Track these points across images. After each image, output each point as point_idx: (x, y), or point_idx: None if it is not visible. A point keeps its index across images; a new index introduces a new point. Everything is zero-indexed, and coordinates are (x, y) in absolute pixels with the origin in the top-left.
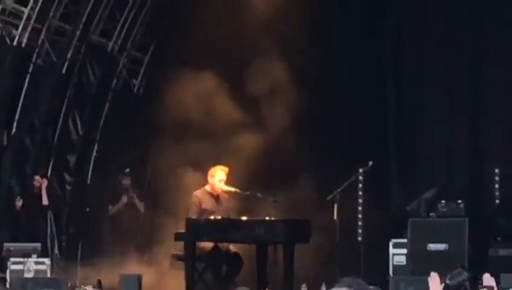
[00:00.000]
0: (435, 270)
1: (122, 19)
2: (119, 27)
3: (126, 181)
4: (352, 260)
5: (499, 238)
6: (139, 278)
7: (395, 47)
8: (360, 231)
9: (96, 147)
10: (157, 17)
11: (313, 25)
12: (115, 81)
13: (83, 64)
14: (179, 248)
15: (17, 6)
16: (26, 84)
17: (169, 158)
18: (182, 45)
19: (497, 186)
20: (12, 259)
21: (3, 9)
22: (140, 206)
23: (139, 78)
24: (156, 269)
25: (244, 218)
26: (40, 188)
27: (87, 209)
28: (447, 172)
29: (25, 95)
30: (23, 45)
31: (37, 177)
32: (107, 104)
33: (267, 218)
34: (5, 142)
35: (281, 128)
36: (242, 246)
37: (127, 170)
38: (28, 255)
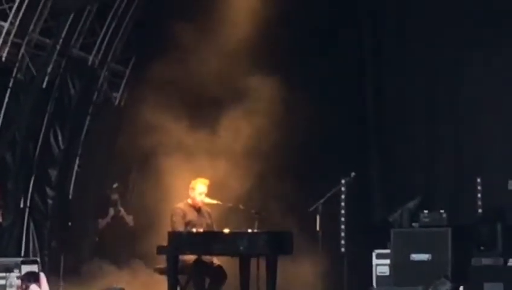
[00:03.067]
0: (418, 280)
1: (103, 32)
2: (99, 41)
3: (114, 196)
4: (335, 271)
5: (481, 248)
6: None
7: (375, 57)
8: (342, 241)
9: (77, 161)
10: (137, 30)
11: (292, 37)
12: (95, 95)
13: (63, 78)
14: (161, 261)
15: None
16: (6, 99)
17: (151, 171)
18: (162, 57)
19: (479, 195)
20: None
21: None
22: (129, 219)
23: (120, 91)
24: (139, 282)
25: (226, 230)
26: None
27: (70, 224)
28: (429, 182)
29: (6, 110)
30: (3, 59)
31: None
32: (88, 118)
33: (249, 230)
34: None
35: (262, 139)
36: (225, 258)
37: (115, 185)
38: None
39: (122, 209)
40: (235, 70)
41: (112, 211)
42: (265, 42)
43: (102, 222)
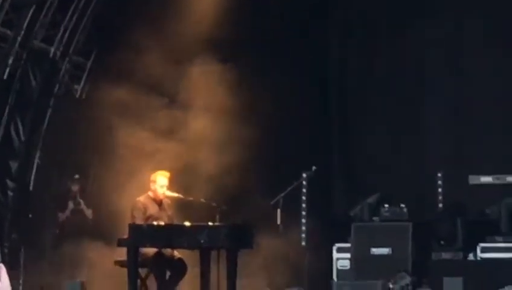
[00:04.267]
0: (379, 274)
1: (64, 24)
2: (61, 33)
3: (75, 187)
4: (296, 265)
5: (442, 242)
6: (82, 285)
7: (337, 54)
8: (303, 235)
9: (38, 153)
10: (99, 22)
11: (253, 34)
12: (57, 87)
13: (24, 70)
14: (122, 254)
15: None
16: None
17: (112, 164)
18: (124, 50)
19: (440, 190)
20: None
21: None
22: (89, 213)
23: (82, 83)
24: (100, 275)
25: (187, 223)
26: None
27: (30, 216)
28: (390, 176)
29: None
30: None
31: None
32: (49, 110)
33: (210, 223)
34: None
35: (223, 132)
36: (186, 251)
37: (77, 176)
38: None
39: (82, 202)
40: (194, 61)
41: (71, 205)
42: (224, 32)
43: (62, 215)
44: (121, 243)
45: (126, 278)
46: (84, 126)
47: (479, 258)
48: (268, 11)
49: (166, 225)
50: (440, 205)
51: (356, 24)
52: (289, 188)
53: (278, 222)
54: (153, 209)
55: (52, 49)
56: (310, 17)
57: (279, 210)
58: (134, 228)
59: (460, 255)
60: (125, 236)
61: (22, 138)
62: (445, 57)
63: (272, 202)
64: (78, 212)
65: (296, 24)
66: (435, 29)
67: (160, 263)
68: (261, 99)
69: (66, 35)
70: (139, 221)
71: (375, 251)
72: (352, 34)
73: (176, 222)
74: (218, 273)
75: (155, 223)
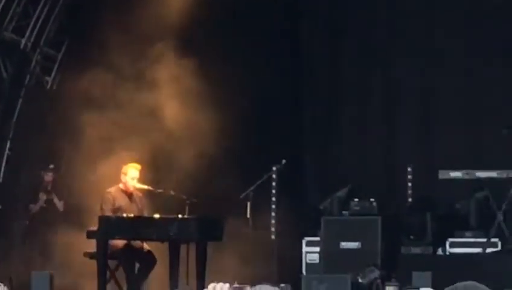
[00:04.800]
0: (348, 268)
1: (35, 15)
2: (32, 24)
3: (48, 178)
4: (265, 258)
5: (411, 237)
6: (50, 276)
7: (310, 45)
8: (273, 229)
9: (8, 145)
10: (70, 13)
11: (223, 26)
12: (27, 78)
13: None
14: (91, 245)
15: None
16: None
17: (82, 155)
18: (94, 42)
19: (409, 184)
20: None
21: None
22: (60, 205)
23: (53, 75)
24: (69, 267)
25: (156, 216)
26: None
27: (0, 207)
28: (359, 170)
29: None
30: None
31: None
32: (20, 101)
33: (179, 216)
34: None
35: (192, 126)
36: (155, 243)
37: (51, 166)
38: None
39: (53, 194)
40: (164, 50)
41: (43, 196)
42: (193, 23)
43: (34, 207)
44: (90, 235)
45: (95, 270)
46: (54, 117)
47: (448, 253)
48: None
49: (135, 217)
50: (410, 200)
51: (327, 15)
52: (259, 181)
53: (248, 215)
54: (122, 201)
55: (23, 41)
56: (283, 10)
57: (248, 203)
58: (103, 219)
59: (430, 249)
60: (95, 228)
61: None
62: (416, 51)
63: (241, 195)
64: (50, 203)
65: (271, 15)
66: (404, 20)
67: (129, 255)
68: (231, 91)
69: (37, 26)
70: (108, 213)
71: (344, 244)
72: (323, 27)
73: (146, 214)
74: (187, 266)
75: (124, 215)
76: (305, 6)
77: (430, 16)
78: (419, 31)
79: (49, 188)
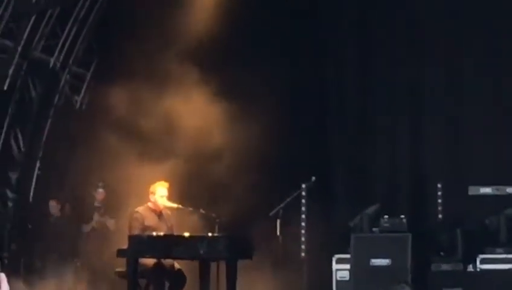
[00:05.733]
0: (378, 286)
1: (64, 35)
2: (61, 43)
3: (100, 196)
4: (296, 276)
5: (441, 253)
6: None
7: (337, 62)
8: (303, 246)
9: (38, 164)
10: (99, 33)
11: (252, 37)
12: (57, 98)
13: (24, 81)
14: (121, 264)
15: None
16: None
17: (112, 175)
18: (124, 61)
19: (439, 201)
20: None
21: None
22: (111, 224)
23: (81, 94)
24: (100, 285)
25: (186, 234)
26: None
27: (29, 227)
28: (390, 187)
29: None
30: None
31: None
32: (49, 121)
33: (209, 234)
34: None
35: (221, 144)
36: (186, 262)
37: (101, 183)
38: None
39: (106, 214)
40: (191, 69)
41: (96, 216)
42: (227, 37)
43: (86, 227)
44: (120, 253)
45: (126, 289)
46: (84, 137)
47: (478, 269)
48: (268, 18)
49: (165, 236)
50: (440, 216)
51: (355, 27)
52: (288, 199)
53: (277, 233)
54: (151, 220)
55: (52, 60)
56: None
57: (278, 221)
58: (134, 238)
59: (460, 266)
60: (125, 247)
61: (22, 149)
62: (445, 67)
63: (271, 213)
64: (101, 223)
65: (297, 31)
66: (435, 39)
67: (159, 273)
68: (260, 108)
69: (66, 45)
70: (136, 231)
71: (374, 261)
72: (351, 44)
73: (175, 232)
74: (217, 284)
75: (154, 233)
76: (329, 14)
77: (460, 30)
78: (449, 49)
79: (98, 204)
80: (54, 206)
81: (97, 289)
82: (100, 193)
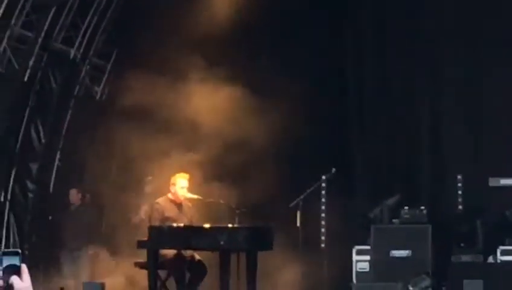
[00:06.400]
0: (398, 277)
1: (84, 26)
2: (81, 34)
3: (148, 189)
4: (316, 267)
5: (461, 245)
6: (102, 286)
7: (357, 53)
8: (323, 237)
9: (58, 155)
10: (118, 24)
11: (272, 32)
12: (77, 89)
13: (45, 72)
14: (142, 255)
15: None
16: None
17: (132, 166)
18: (143, 52)
19: (459, 192)
20: None
21: None
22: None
23: (102, 85)
24: (120, 276)
25: (206, 225)
26: None
27: (50, 218)
28: (410, 178)
29: None
30: None
31: None
32: (70, 112)
33: (229, 225)
34: None
35: (241, 135)
36: (206, 253)
37: (150, 177)
38: None
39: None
40: (212, 61)
41: (145, 207)
42: (246, 28)
43: (135, 218)
44: (140, 245)
45: (146, 280)
46: (104, 127)
47: (498, 261)
48: (288, 10)
49: (186, 227)
50: (460, 207)
51: (373, 25)
52: (308, 190)
53: (298, 224)
54: (171, 211)
55: (73, 51)
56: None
57: (298, 212)
58: (154, 229)
59: (480, 257)
60: (145, 238)
61: (42, 140)
62: (464, 55)
63: (291, 204)
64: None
65: (317, 23)
66: (452, 24)
67: (179, 264)
68: (281, 100)
69: (86, 37)
70: (156, 223)
71: (394, 253)
72: (370, 35)
73: (195, 223)
74: (237, 275)
75: (174, 224)
76: (349, 4)
77: (479, 19)
78: (468, 38)
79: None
80: (74, 195)
81: (118, 280)
82: (149, 187)
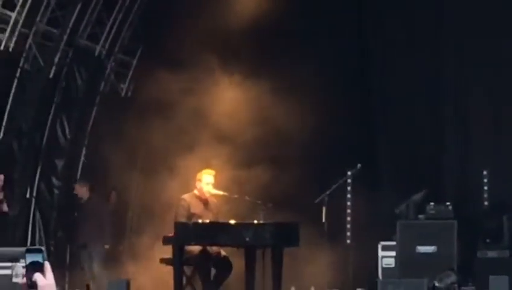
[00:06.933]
0: (424, 273)
1: (110, 22)
2: (106, 31)
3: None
4: (341, 263)
5: (487, 241)
6: (127, 284)
7: (380, 50)
8: (348, 233)
9: (84, 151)
10: (144, 21)
11: (295, 30)
12: (102, 85)
13: (70, 69)
14: (167, 251)
15: (4, 10)
16: (13, 89)
17: (157, 161)
18: (169, 48)
19: (485, 188)
20: None
21: None
22: None
23: (127, 81)
24: (146, 273)
25: (232, 222)
26: None
27: (76, 214)
28: (435, 174)
29: (13, 100)
30: (10, 49)
31: None
32: (95, 108)
33: (255, 221)
34: None
35: (269, 129)
36: (231, 249)
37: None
38: (16, 260)
39: None
40: (237, 58)
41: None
42: (273, 29)
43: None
44: (166, 241)
45: (172, 276)
46: (129, 124)
47: None
48: (311, 10)
49: (211, 223)
50: (486, 203)
51: (397, 22)
52: (334, 186)
53: (323, 220)
54: (197, 207)
55: (98, 48)
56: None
57: (324, 208)
58: (179, 225)
59: (506, 253)
60: (171, 234)
61: (68, 136)
62: (489, 52)
63: (316, 200)
64: None
65: (341, 24)
66: (474, 22)
67: (205, 261)
68: (306, 97)
69: (112, 33)
70: (182, 219)
71: (420, 249)
72: (394, 33)
73: (221, 220)
74: (263, 271)
75: (200, 221)
76: (372, 11)
77: (497, 20)
78: (492, 35)
79: None
80: (78, 189)
81: (144, 277)
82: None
